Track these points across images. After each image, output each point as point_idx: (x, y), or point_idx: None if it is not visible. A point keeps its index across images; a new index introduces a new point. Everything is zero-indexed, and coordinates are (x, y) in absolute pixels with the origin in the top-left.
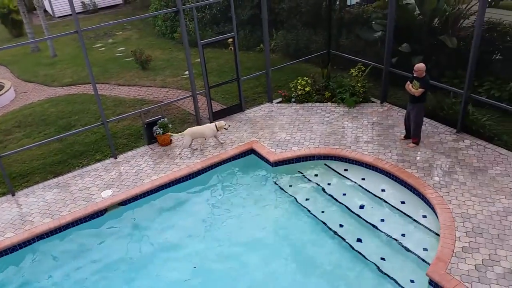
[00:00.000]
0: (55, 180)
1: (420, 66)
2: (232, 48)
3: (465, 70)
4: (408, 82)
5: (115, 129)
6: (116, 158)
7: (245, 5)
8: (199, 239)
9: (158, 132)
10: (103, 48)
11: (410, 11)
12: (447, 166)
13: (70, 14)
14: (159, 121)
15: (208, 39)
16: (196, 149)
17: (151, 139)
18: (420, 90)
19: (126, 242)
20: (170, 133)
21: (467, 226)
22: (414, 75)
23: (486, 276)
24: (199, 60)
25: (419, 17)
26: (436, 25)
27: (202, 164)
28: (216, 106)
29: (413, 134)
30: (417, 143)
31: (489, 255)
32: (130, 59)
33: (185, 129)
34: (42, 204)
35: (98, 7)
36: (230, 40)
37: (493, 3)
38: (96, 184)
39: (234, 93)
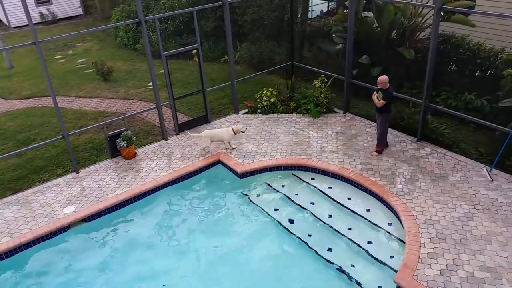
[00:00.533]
0: (14, 196)
1: (382, 78)
2: (197, 60)
3: (423, 81)
4: (375, 92)
5: (76, 143)
6: (78, 172)
7: (209, 16)
8: (167, 254)
9: (121, 145)
10: (63, 60)
11: (368, 24)
12: (409, 173)
13: (27, 25)
14: (123, 133)
15: (172, 51)
16: (208, 152)
17: (115, 152)
18: (382, 102)
19: (91, 259)
20: (188, 132)
21: (431, 232)
22: (379, 87)
23: (451, 281)
24: (162, 71)
25: (377, 30)
26: (394, 37)
27: (169, 176)
28: (182, 118)
29: (377, 143)
30: (380, 152)
31: (452, 260)
32: (91, 70)
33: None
34: (1, 222)
35: (58, 17)
36: (194, 51)
37: (445, 17)
38: (58, 200)
39: (200, 105)
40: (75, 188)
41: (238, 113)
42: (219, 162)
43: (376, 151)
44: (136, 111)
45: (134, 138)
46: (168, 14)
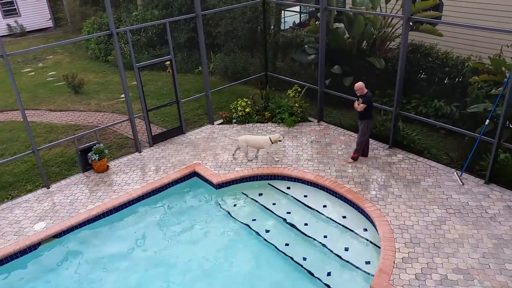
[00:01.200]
0: None
1: (358, 85)
2: (170, 71)
3: (394, 89)
4: (356, 100)
5: (47, 157)
6: (48, 188)
7: (182, 28)
8: (142, 268)
9: (93, 159)
10: (32, 73)
11: (340, 35)
12: (383, 180)
13: None
14: (94, 147)
15: (144, 62)
16: (251, 160)
17: (86, 166)
18: (362, 105)
19: (63, 276)
20: (228, 136)
21: (405, 237)
22: (357, 94)
23: (426, 284)
24: (135, 82)
25: (348, 41)
26: (364, 47)
27: (143, 190)
28: (156, 129)
29: (355, 149)
30: (355, 159)
31: (427, 263)
32: (62, 83)
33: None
34: None
35: (26, 30)
36: (168, 62)
37: (414, 26)
38: (27, 216)
39: (174, 116)
40: (45, 204)
41: (213, 124)
42: (194, 173)
43: (352, 158)
44: (108, 123)
45: (106, 151)
46: (140, 26)
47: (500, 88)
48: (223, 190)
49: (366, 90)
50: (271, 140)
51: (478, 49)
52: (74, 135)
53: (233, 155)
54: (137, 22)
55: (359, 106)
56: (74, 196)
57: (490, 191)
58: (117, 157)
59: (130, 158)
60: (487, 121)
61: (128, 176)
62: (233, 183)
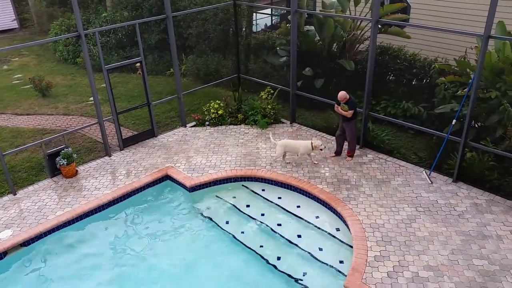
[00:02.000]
0: None
1: (341, 94)
2: (141, 73)
3: (363, 91)
4: (336, 105)
5: (13, 163)
6: (15, 194)
7: (152, 29)
8: (114, 275)
9: (62, 163)
10: None
11: (310, 37)
12: (354, 180)
13: None
14: (63, 151)
15: (113, 64)
16: (289, 163)
17: (55, 171)
18: (351, 111)
19: (32, 286)
20: (272, 139)
21: (377, 236)
22: (342, 102)
23: (398, 282)
24: (105, 85)
25: (319, 43)
26: (335, 50)
27: (113, 194)
28: (127, 133)
29: (350, 148)
30: (352, 156)
31: (398, 261)
32: (29, 86)
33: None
34: None
35: None
36: (138, 64)
37: (382, 29)
38: None
39: (146, 119)
40: (12, 210)
41: (185, 126)
42: (167, 177)
43: (349, 156)
44: (77, 127)
45: (75, 155)
46: (109, 27)
47: (465, 89)
48: (196, 193)
49: (348, 96)
50: (312, 147)
51: (444, 51)
52: (42, 139)
53: (283, 158)
54: (106, 24)
55: (347, 112)
56: (43, 202)
57: (458, 189)
58: (87, 162)
59: (99, 162)
60: (454, 121)
61: (98, 180)
62: (207, 186)
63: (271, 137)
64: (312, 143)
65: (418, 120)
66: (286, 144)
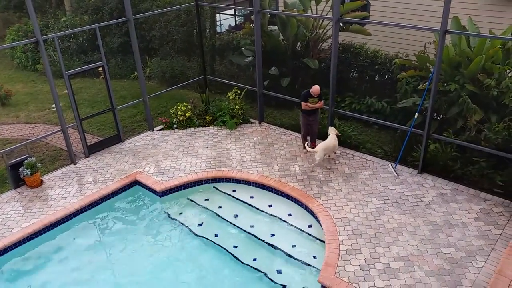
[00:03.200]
0: None
1: (317, 89)
2: (104, 77)
3: (328, 88)
4: (304, 103)
5: None
6: None
7: (114, 32)
8: (85, 285)
9: (25, 174)
10: None
11: (274, 37)
12: (323, 176)
13: None
14: (26, 161)
15: (75, 69)
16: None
17: (18, 182)
18: (321, 102)
19: None
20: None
21: (348, 230)
22: (314, 96)
23: (370, 274)
24: (67, 91)
25: (283, 42)
26: (299, 49)
27: (80, 203)
28: (92, 139)
29: (314, 140)
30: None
31: (369, 253)
32: None
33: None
34: None
35: None
36: (100, 68)
37: (344, 27)
38: None
39: (111, 124)
40: None
41: (153, 130)
42: (136, 182)
43: (315, 147)
44: (40, 135)
45: (39, 165)
46: (68, 32)
47: (426, 83)
48: (167, 197)
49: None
50: (335, 134)
51: (404, 47)
52: (3, 149)
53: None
54: (66, 28)
55: (319, 103)
56: (7, 215)
57: (424, 180)
58: (51, 171)
59: (65, 171)
60: (416, 114)
61: (64, 189)
62: (178, 190)
63: (307, 148)
64: (332, 133)
65: (382, 115)
66: (325, 147)
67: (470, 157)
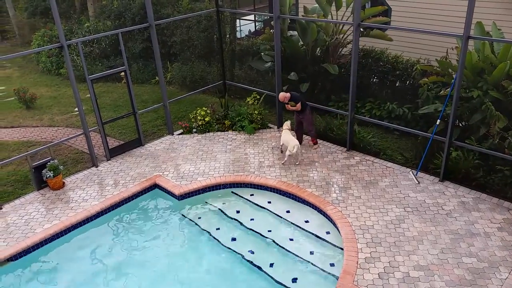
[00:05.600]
0: None
1: (280, 97)
2: (126, 82)
3: (348, 94)
4: (286, 104)
5: None
6: (1, 208)
7: (136, 38)
8: (103, 286)
9: (48, 176)
10: None
11: (294, 42)
12: (342, 182)
13: None
14: (49, 163)
15: (97, 74)
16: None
17: (41, 184)
18: (298, 105)
19: None
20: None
21: (367, 237)
22: (286, 101)
23: (389, 283)
24: (89, 95)
25: (303, 48)
26: (318, 54)
27: (101, 205)
28: (113, 142)
29: (311, 136)
30: (316, 143)
31: (389, 262)
32: (12, 98)
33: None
34: None
35: None
36: (122, 73)
37: (364, 32)
38: None
39: (132, 128)
40: None
41: (173, 134)
42: (155, 185)
43: (315, 143)
44: (63, 138)
45: (61, 167)
46: (91, 37)
47: (448, 89)
48: (185, 201)
49: (288, 94)
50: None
51: (426, 52)
52: (27, 152)
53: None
54: (89, 34)
55: (295, 107)
56: (30, 216)
57: (445, 188)
58: (73, 173)
59: (86, 173)
60: (438, 121)
61: (86, 192)
62: (196, 194)
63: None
64: (285, 128)
65: (403, 121)
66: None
67: (493, 165)
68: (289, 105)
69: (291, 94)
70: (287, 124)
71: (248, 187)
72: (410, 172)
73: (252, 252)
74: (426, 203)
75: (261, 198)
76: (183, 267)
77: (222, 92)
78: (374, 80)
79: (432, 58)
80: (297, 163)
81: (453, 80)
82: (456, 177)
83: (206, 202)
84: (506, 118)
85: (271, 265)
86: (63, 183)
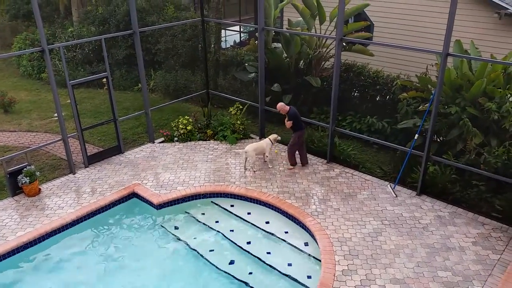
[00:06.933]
0: None
1: (278, 106)
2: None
3: (330, 106)
4: (284, 118)
5: None
6: None
7: (120, 45)
8: None
9: (24, 182)
10: None
11: (278, 54)
12: (322, 194)
13: None
14: (25, 169)
15: (79, 79)
16: (249, 169)
17: (16, 190)
18: (289, 122)
19: None
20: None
21: (344, 250)
22: (282, 113)
23: None
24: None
25: (286, 60)
26: (302, 66)
27: (77, 213)
28: (92, 149)
29: (288, 157)
30: (293, 165)
31: (366, 275)
32: None
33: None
34: None
35: None
36: (104, 79)
37: (347, 47)
38: None
39: (112, 135)
40: None
41: (153, 142)
42: (134, 194)
43: (291, 165)
44: (41, 144)
45: (37, 173)
46: (74, 42)
47: (427, 104)
48: (164, 210)
49: (287, 108)
50: (271, 141)
51: (406, 68)
52: (2, 157)
53: (246, 167)
54: (73, 39)
55: (287, 123)
56: (2, 223)
57: (422, 202)
58: (50, 180)
59: (63, 180)
60: (416, 135)
61: (62, 199)
62: (175, 203)
63: (237, 151)
64: (270, 139)
65: (383, 135)
66: (255, 148)
67: (469, 180)
68: (286, 119)
69: (290, 108)
70: (273, 136)
71: (228, 198)
72: (388, 185)
73: (231, 263)
74: (403, 217)
75: (241, 208)
76: (159, 278)
77: (205, 101)
78: (355, 94)
79: (412, 74)
80: (255, 170)
81: (432, 96)
82: (433, 191)
83: (185, 212)
84: (482, 134)
85: (250, 273)
86: (39, 189)
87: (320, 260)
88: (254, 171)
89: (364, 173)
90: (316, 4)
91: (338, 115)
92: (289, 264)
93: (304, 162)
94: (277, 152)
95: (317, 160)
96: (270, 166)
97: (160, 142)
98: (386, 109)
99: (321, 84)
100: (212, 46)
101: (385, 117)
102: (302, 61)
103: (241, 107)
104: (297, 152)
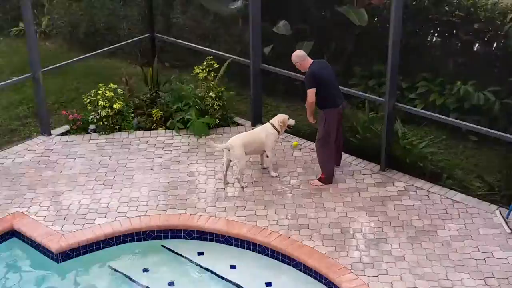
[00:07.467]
0: None
1: (293, 57)
2: None
3: (385, 64)
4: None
5: None
6: None
7: None
8: None
9: None
10: None
11: None
12: (371, 229)
13: None
14: None
15: None
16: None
17: None
18: (310, 91)
19: None
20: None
21: None
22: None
23: None
24: None
25: None
26: None
27: None
28: None
29: (320, 165)
30: (325, 182)
31: None
32: None
33: None
34: None
35: None
36: None
37: None
38: None
39: None
40: None
41: (50, 134)
42: (13, 233)
43: (320, 180)
44: None
45: None
46: None
47: None
48: (70, 263)
49: (310, 61)
50: (275, 128)
51: None
52: None
53: (226, 180)
54: None
55: (308, 93)
56: None
57: None
58: None
59: None
60: None
61: None
62: (92, 250)
63: (213, 143)
64: (273, 125)
65: (486, 117)
66: (245, 143)
67: None
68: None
69: (313, 63)
70: (280, 117)
71: (193, 238)
72: (498, 211)
73: None
74: None
75: (217, 259)
76: None
77: (148, 56)
78: (434, 39)
79: None
80: (244, 184)
81: None
82: None
83: (110, 268)
84: None
85: None
86: None
87: None
88: (243, 187)
89: (452, 189)
90: None
91: (401, 80)
92: None
93: (338, 162)
94: (296, 145)
95: (363, 165)
96: (274, 176)
97: (62, 134)
98: (493, 69)
99: (369, 22)
100: None
101: (491, 83)
102: None
103: (216, 65)
104: None
